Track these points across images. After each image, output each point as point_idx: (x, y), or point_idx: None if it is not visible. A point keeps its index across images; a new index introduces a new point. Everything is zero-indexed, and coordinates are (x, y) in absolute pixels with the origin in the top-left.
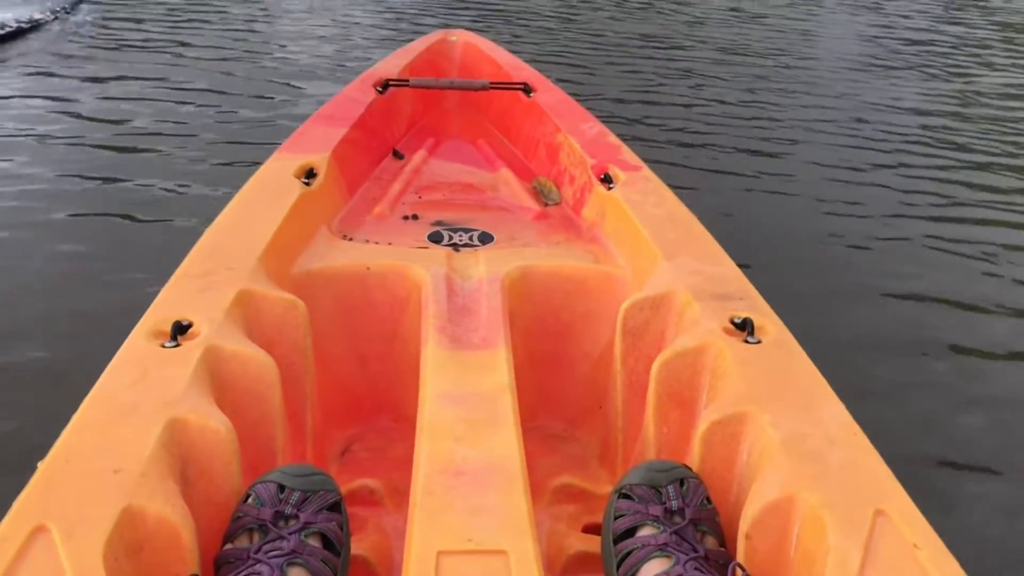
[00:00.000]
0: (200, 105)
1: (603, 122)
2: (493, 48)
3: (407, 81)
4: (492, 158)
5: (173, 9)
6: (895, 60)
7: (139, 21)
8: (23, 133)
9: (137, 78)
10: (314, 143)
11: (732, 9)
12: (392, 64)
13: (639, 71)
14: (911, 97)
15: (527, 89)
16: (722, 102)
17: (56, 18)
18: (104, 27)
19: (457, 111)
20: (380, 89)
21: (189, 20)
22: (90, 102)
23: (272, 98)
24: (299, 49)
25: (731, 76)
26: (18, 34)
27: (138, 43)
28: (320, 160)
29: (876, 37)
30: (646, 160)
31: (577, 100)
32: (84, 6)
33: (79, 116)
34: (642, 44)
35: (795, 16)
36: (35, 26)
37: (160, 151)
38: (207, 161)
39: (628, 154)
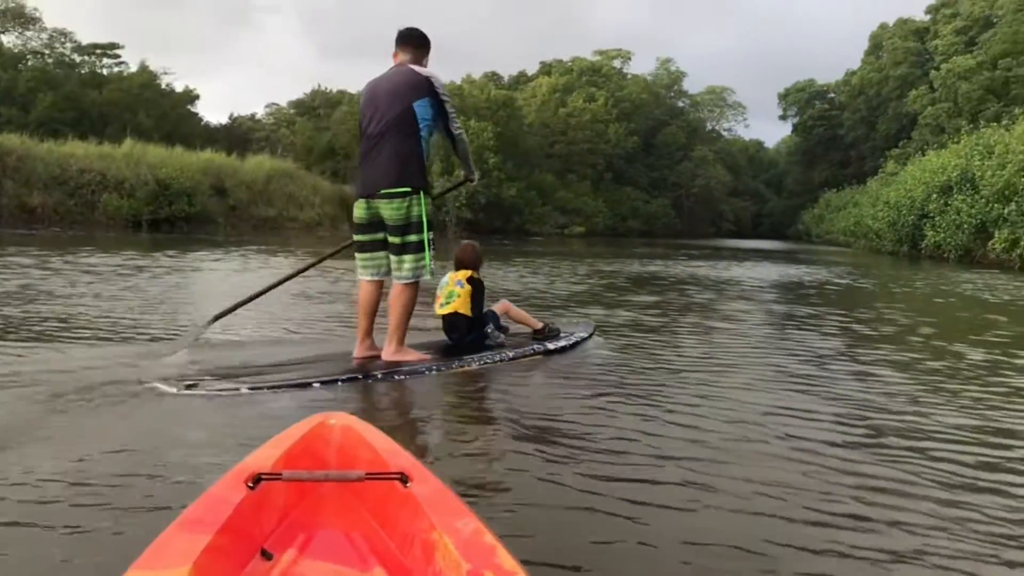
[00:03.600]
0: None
1: (483, 510)
2: (372, 433)
3: (280, 475)
4: (366, 555)
5: None
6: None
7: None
8: None
9: None
10: (172, 556)
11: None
12: (266, 454)
13: (527, 456)
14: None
15: (404, 479)
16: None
17: (590, 337)
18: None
19: (333, 500)
20: (251, 484)
21: None
22: None
23: (132, 507)
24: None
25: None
26: (569, 348)
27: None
28: None
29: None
30: (525, 562)
31: (458, 490)
32: (596, 336)
33: None
34: (527, 431)
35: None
36: (581, 342)
37: None
38: None
39: (504, 557)
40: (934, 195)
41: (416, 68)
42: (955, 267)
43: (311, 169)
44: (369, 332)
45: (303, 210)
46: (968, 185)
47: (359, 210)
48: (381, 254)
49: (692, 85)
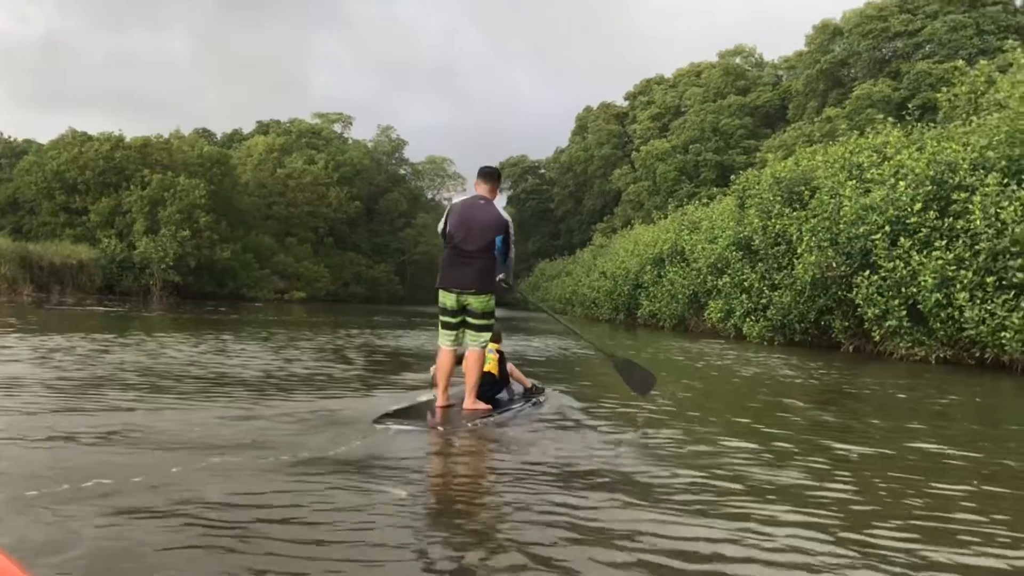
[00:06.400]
0: None
1: None
2: None
3: None
4: None
5: None
6: None
7: None
8: None
9: None
10: None
11: None
12: None
13: None
14: None
15: None
16: None
17: (535, 403)
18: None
19: None
20: None
21: None
22: None
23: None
24: None
25: None
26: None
27: None
28: None
29: None
30: None
31: None
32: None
33: None
34: None
35: None
36: (537, 403)
37: None
38: None
39: None
40: (648, 267)
41: (501, 212)
42: (674, 335)
43: None
44: (447, 387)
45: None
46: (678, 258)
47: (449, 300)
48: (460, 331)
49: (413, 154)
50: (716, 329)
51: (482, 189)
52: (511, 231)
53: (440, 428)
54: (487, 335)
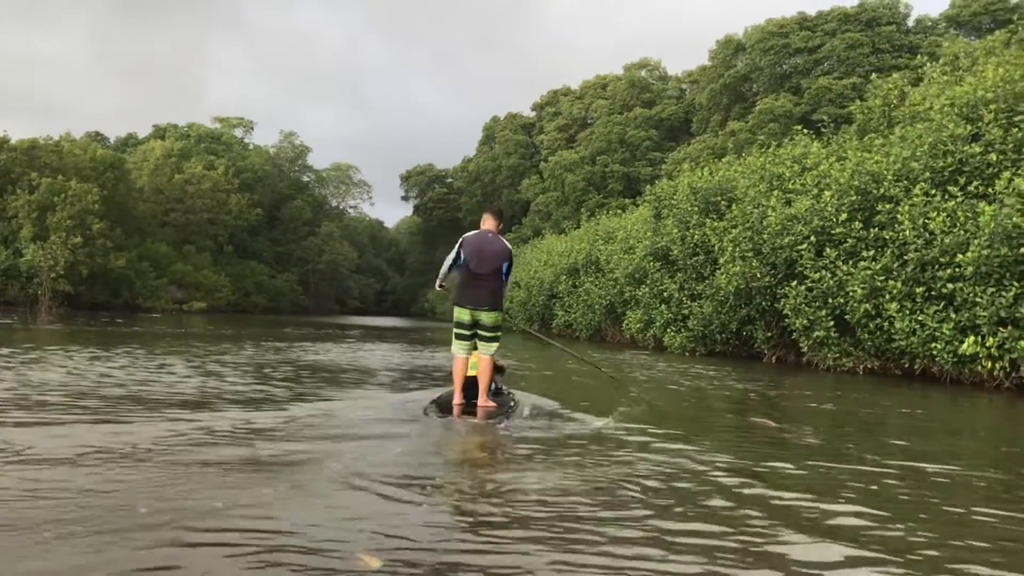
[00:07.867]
0: None
1: None
2: None
3: None
4: None
5: None
6: None
7: None
8: None
9: None
10: None
11: None
12: None
13: None
14: None
15: None
16: None
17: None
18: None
19: None
20: None
21: None
22: None
23: None
24: None
25: None
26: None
27: None
28: None
29: None
30: None
31: None
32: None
33: None
34: None
35: None
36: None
37: None
38: None
39: None
40: (562, 276)
41: (506, 243)
42: (591, 346)
43: None
44: (462, 387)
45: None
46: (593, 268)
47: (465, 316)
48: (472, 342)
49: (317, 161)
50: (635, 339)
51: (489, 223)
52: (512, 260)
53: (463, 418)
54: (495, 345)
